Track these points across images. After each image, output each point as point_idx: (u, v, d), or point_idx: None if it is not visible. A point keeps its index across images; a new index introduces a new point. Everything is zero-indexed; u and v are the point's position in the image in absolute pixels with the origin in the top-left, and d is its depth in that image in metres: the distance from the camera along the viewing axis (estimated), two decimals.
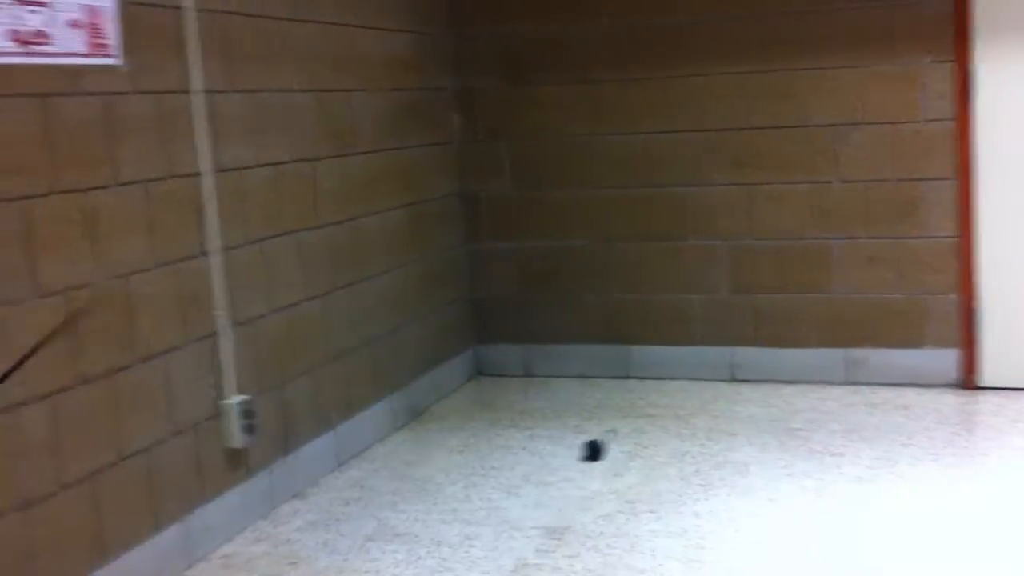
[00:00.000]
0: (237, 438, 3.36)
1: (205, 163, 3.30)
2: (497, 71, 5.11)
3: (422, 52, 4.82)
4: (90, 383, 2.83)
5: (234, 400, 3.36)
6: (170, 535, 3.09)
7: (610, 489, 3.68)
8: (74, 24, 2.82)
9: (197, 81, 3.28)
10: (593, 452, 4.02)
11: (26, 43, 2.68)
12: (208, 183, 3.31)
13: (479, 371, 5.28)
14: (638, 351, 5.07)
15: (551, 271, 5.15)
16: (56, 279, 2.73)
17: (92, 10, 2.88)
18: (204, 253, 3.31)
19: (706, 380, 4.94)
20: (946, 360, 4.70)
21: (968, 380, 4.67)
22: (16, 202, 2.62)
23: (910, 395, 4.59)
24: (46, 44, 2.74)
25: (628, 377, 5.05)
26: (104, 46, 2.93)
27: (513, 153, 5.14)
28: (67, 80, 2.80)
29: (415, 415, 4.62)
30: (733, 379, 4.94)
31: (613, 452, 4.03)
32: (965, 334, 4.67)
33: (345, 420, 4.07)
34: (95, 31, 2.90)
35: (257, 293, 3.56)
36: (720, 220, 4.91)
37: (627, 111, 4.96)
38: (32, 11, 2.69)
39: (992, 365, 4.63)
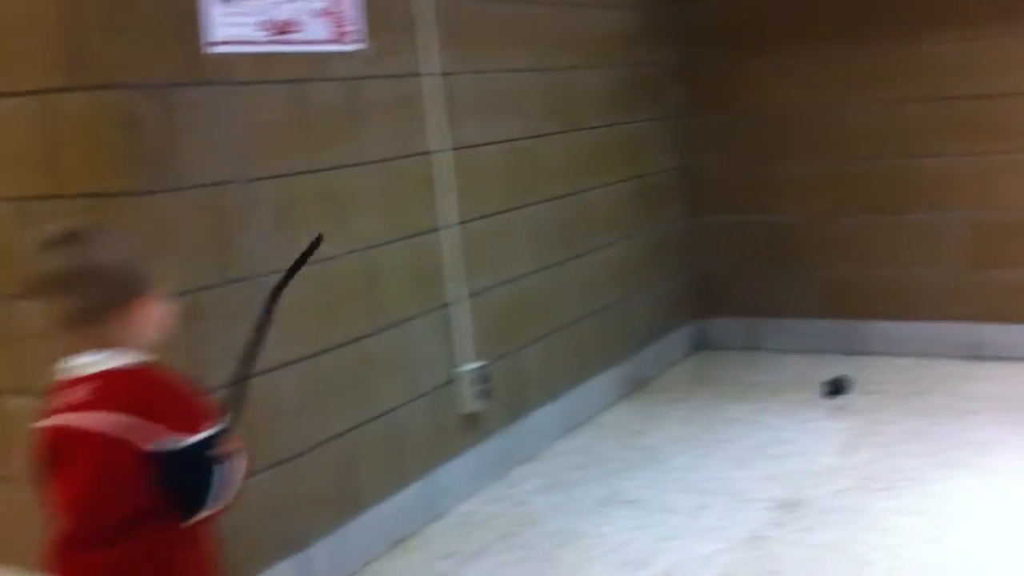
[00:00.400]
0: (471, 403, 3.49)
1: (440, 142, 3.44)
2: (719, 44, 5.03)
3: (645, 27, 4.82)
4: (338, 349, 3.01)
5: (468, 367, 3.50)
6: (413, 492, 3.26)
7: (844, 465, 3.59)
8: (321, 13, 3.00)
9: (432, 64, 3.41)
10: (836, 388, 4.12)
11: (279, 32, 2.87)
12: (443, 161, 3.45)
13: (700, 345, 5.25)
14: (868, 327, 4.90)
15: (775, 245, 5.05)
16: None
17: None
18: (439, 228, 3.44)
19: (941, 357, 4.70)
20: None
21: None
22: (273, 180, 2.82)
23: None
24: (296, 32, 2.93)
25: (857, 353, 4.87)
26: (348, 33, 3.10)
27: (735, 126, 5.05)
28: (316, 66, 2.97)
29: (638, 386, 4.65)
30: (970, 356, 4.69)
31: (845, 431, 3.93)
32: None
33: (572, 388, 4.16)
34: (340, 19, 3.07)
35: (489, 265, 3.69)
36: (953, 192, 4.67)
37: (854, 82, 4.77)
38: (284, 2, 2.88)
39: None
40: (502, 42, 3.79)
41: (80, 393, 1.72)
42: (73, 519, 1.72)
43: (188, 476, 1.73)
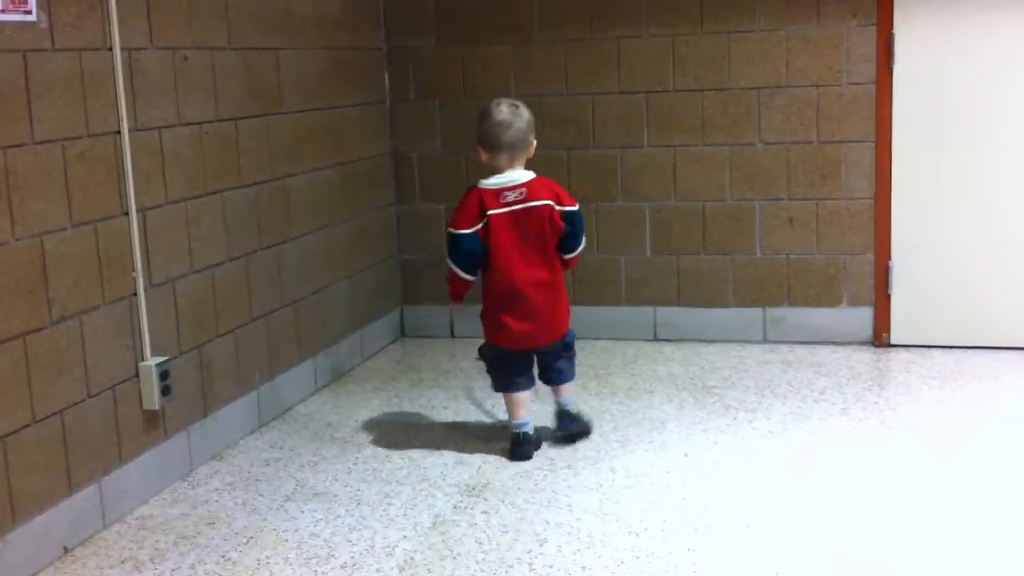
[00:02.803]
0: (154, 400, 3.35)
1: (124, 122, 3.26)
2: (431, 31, 5.09)
3: (354, 10, 4.80)
4: (0, 345, 2.81)
5: (152, 362, 3.35)
6: (85, 497, 3.08)
7: None
8: None
9: (118, 38, 3.22)
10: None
11: None
12: (127, 142, 3.27)
13: (405, 332, 5.31)
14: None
15: None
16: None
17: None
18: (123, 213, 3.28)
19: (630, 340, 5.02)
20: (860, 318, 4.83)
21: (880, 338, 4.81)
22: None
23: (824, 353, 4.72)
24: None
25: None
26: (21, 1, 2.87)
27: (445, 113, 5.13)
28: None
29: (339, 375, 4.64)
30: (656, 339, 5.03)
31: (534, 414, 4.07)
32: (879, 293, 4.80)
33: (267, 381, 4.09)
34: None
35: (178, 254, 3.55)
36: (646, 182, 4.97)
37: (559, 72, 4.98)
38: None
39: (903, 323, 4.78)
40: (198, 18, 3.64)
41: (522, 190, 3.54)
42: (544, 255, 3.58)
43: (578, 225, 3.64)
